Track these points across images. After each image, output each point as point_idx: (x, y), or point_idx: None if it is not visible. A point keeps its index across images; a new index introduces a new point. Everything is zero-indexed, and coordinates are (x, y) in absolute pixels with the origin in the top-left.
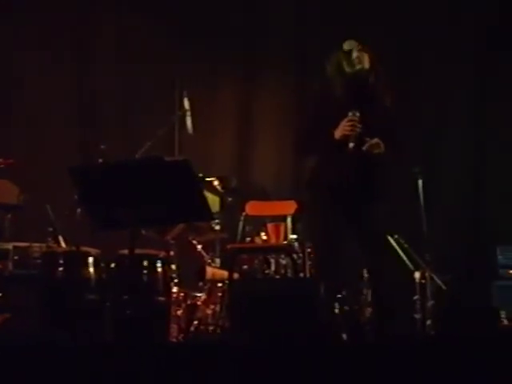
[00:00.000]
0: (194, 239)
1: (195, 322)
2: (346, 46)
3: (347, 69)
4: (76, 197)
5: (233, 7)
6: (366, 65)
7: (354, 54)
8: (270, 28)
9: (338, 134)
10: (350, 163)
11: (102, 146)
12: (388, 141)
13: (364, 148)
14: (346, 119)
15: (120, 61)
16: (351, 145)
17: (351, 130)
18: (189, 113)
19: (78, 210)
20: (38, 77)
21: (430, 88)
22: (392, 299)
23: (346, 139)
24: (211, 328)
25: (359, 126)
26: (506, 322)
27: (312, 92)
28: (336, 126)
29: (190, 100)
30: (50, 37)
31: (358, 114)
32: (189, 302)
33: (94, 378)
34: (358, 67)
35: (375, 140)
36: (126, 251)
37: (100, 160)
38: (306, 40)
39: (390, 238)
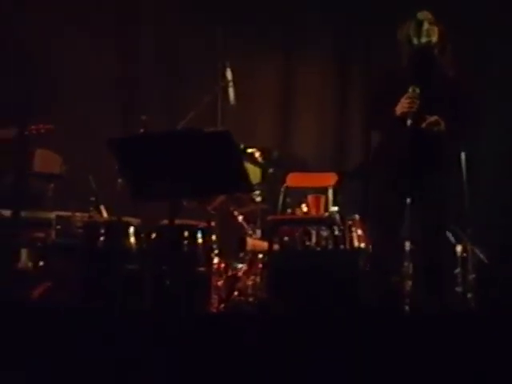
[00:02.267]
0: (235, 210)
1: (236, 293)
2: (420, 16)
3: (415, 40)
4: (117, 167)
5: None
6: (434, 38)
7: (425, 26)
8: (311, 3)
9: (398, 110)
10: (410, 140)
11: (143, 117)
12: (452, 115)
13: (423, 126)
14: (405, 96)
15: (161, 34)
16: (409, 122)
17: (409, 107)
18: (231, 84)
19: (119, 181)
20: (78, 49)
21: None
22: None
23: (405, 116)
24: (251, 299)
25: (417, 102)
26: None
27: (377, 67)
28: (398, 101)
29: (232, 71)
30: (89, 13)
31: (417, 91)
32: (229, 273)
33: (133, 348)
34: (426, 40)
35: (434, 118)
36: (166, 221)
37: (141, 130)
38: (345, 16)
39: None
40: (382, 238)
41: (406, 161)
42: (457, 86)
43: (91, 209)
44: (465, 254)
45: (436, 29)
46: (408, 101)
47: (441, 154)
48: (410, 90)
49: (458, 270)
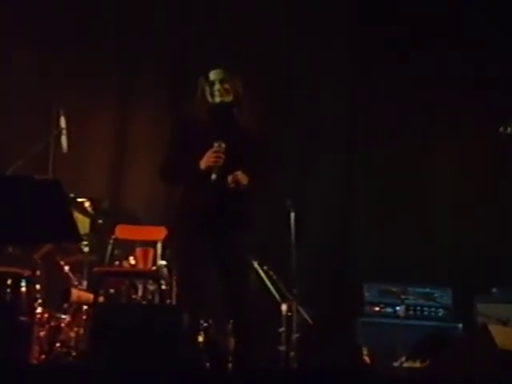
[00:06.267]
0: (61, 260)
1: (58, 344)
2: (211, 76)
3: (209, 98)
4: None
5: (107, 27)
6: (228, 98)
7: (216, 87)
8: (147, 53)
9: (202, 164)
10: (214, 194)
11: None
12: (256, 170)
13: (229, 181)
14: (211, 150)
15: None
16: (214, 176)
17: (215, 162)
18: (65, 131)
19: None
20: None
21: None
22: (253, 327)
23: (210, 170)
24: (73, 351)
25: (223, 157)
26: (367, 358)
27: (180, 117)
28: (202, 154)
29: (66, 119)
30: None
31: (223, 145)
32: (52, 324)
33: None
34: (218, 100)
35: (238, 173)
36: None
37: None
38: (182, 66)
39: (259, 268)
40: (187, 295)
41: (210, 216)
42: (259, 140)
43: None
44: (290, 313)
45: (230, 88)
46: (214, 155)
47: (245, 209)
48: (216, 144)
49: (282, 329)
